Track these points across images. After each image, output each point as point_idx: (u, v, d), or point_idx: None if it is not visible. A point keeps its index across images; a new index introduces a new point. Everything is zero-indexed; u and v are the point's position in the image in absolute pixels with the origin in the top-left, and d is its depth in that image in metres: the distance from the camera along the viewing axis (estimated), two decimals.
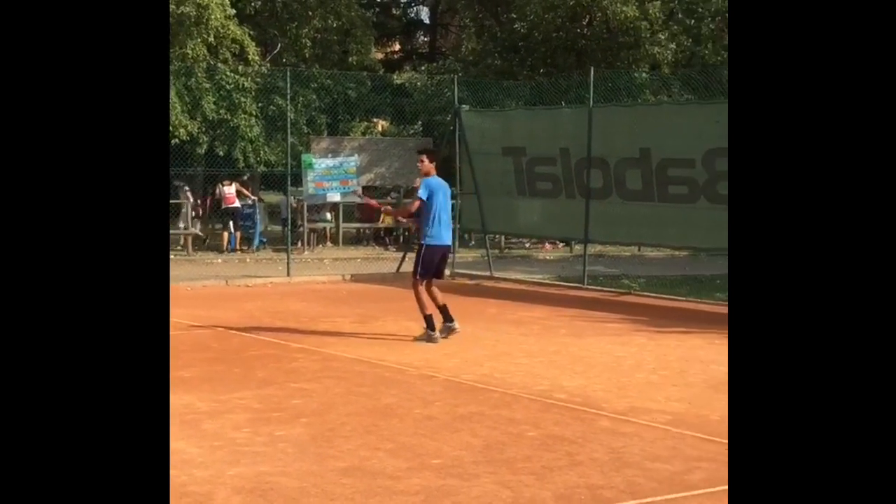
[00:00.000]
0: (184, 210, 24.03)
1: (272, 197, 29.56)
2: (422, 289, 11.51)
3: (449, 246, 12.07)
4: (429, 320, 11.40)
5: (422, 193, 11.51)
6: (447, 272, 19.58)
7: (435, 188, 11.53)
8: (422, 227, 11.74)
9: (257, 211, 24.95)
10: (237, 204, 24.63)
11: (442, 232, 11.59)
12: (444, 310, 11.63)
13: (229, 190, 24.55)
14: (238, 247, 24.37)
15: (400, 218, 11.74)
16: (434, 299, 11.63)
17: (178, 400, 8.25)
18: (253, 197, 25.31)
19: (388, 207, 11.70)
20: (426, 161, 11.81)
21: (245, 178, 25.81)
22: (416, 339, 11.45)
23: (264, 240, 25.41)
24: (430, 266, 11.59)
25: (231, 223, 24.53)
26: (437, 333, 11.37)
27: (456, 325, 11.60)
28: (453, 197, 22.35)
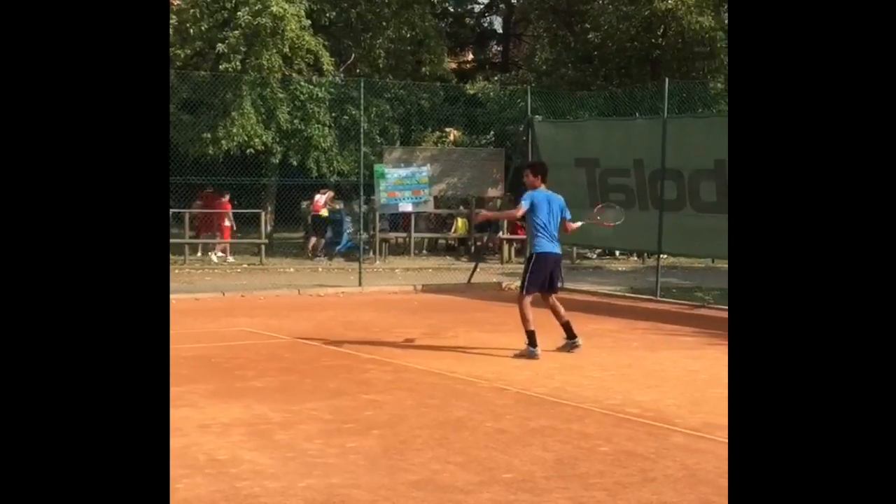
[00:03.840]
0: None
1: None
2: (527, 303, 11.28)
3: (558, 256, 11.72)
4: (531, 336, 11.16)
5: (524, 203, 11.48)
6: (518, 283, 19.62)
7: (539, 201, 11.42)
8: (528, 239, 11.80)
9: (344, 218, 25.41)
10: (324, 213, 25.45)
11: (546, 243, 11.45)
12: (567, 326, 11.56)
13: (319, 198, 25.39)
14: (318, 252, 25.21)
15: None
16: (557, 315, 11.56)
17: (251, 410, 8.31)
18: (337, 205, 25.85)
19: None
20: (530, 175, 11.77)
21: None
22: (517, 355, 11.20)
23: (350, 244, 25.53)
24: (538, 278, 11.43)
25: (315, 230, 25.60)
26: (538, 350, 11.11)
27: (579, 341, 11.54)
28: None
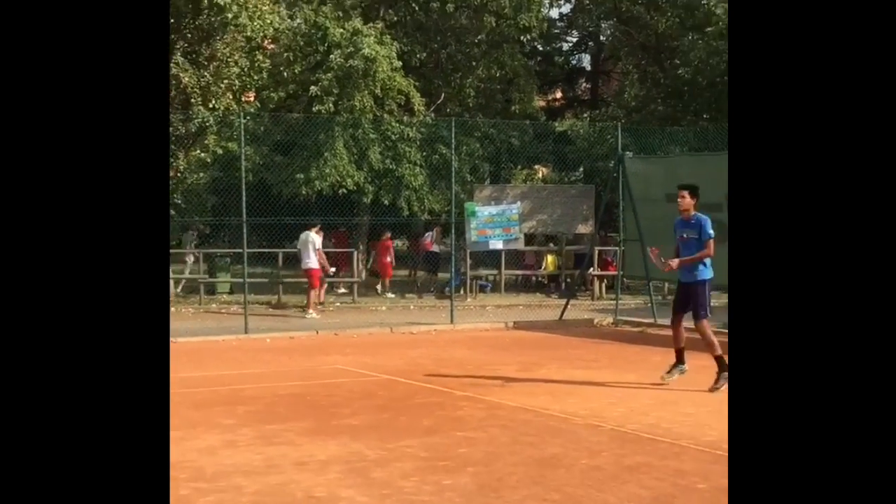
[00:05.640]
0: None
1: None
2: (708, 326, 11.14)
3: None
4: (721, 361, 10.96)
5: (711, 231, 11.09)
6: (610, 319, 19.54)
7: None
8: (693, 263, 11.18)
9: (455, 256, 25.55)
10: (435, 248, 26.29)
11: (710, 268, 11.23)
12: (680, 352, 11.51)
13: (428, 235, 26.45)
14: (431, 287, 26.01)
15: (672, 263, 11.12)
16: (680, 338, 11.49)
17: (347, 448, 8.38)
18: (440, 245, 26.18)
19: (675, 261, 11.16)
20: (688, 197, 11.39)
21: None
22: (714, 388, 10.97)
23: (459, 279, 25.21)
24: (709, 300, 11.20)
25: (426, 267, 26.70)
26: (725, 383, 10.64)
27: (685, 367, 11.50)
28: (617, 244, 22.23)
